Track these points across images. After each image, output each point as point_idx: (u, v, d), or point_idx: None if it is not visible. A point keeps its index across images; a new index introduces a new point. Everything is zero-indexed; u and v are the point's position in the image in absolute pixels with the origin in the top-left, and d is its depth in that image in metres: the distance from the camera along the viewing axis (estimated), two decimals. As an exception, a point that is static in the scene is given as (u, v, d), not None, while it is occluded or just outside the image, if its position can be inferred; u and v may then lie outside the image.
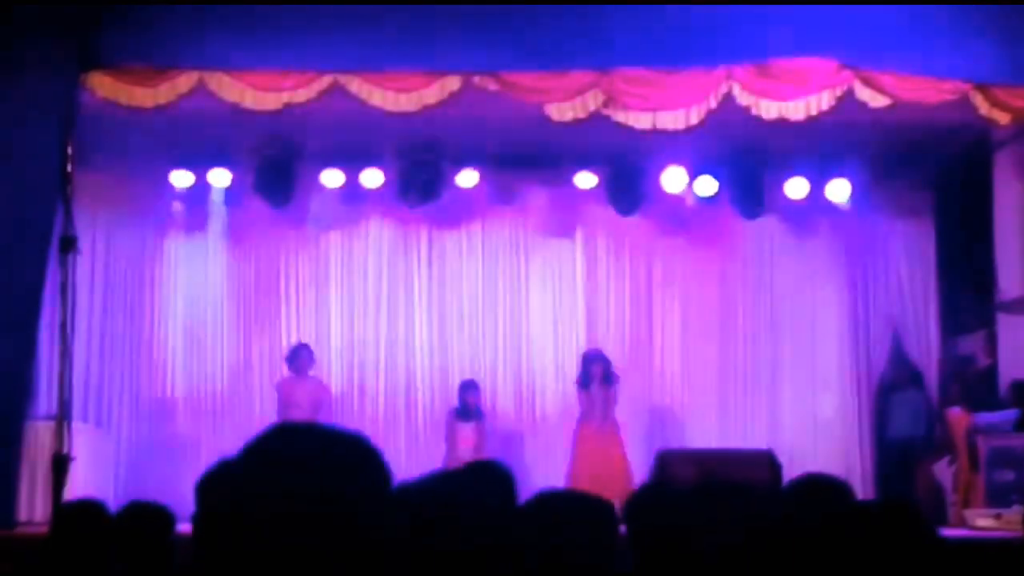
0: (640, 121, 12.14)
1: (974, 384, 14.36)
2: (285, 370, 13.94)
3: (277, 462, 2.00)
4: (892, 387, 15.11)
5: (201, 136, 13.81)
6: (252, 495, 1.98)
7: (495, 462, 4.66)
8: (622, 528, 3.84)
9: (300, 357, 13.79)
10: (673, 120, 12.07)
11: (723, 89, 11.88)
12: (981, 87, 11.88)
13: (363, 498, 1.99)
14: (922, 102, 11.93)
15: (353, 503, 1.97)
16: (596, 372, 13.75)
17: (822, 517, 3.73)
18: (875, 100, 11.87)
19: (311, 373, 13.85)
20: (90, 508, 5.01)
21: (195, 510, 3.86)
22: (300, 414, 13.17)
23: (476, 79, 11.73)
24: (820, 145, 13.99)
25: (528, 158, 14.64)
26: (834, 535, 3.53)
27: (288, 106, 11.78)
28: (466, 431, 13.59)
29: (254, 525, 1.95)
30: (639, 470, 13.35)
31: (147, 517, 4.87)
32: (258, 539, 1.95)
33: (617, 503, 3.94)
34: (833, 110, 11.90)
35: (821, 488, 4.51)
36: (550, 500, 3.56)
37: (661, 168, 14.55)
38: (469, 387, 13.88)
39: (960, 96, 11.86)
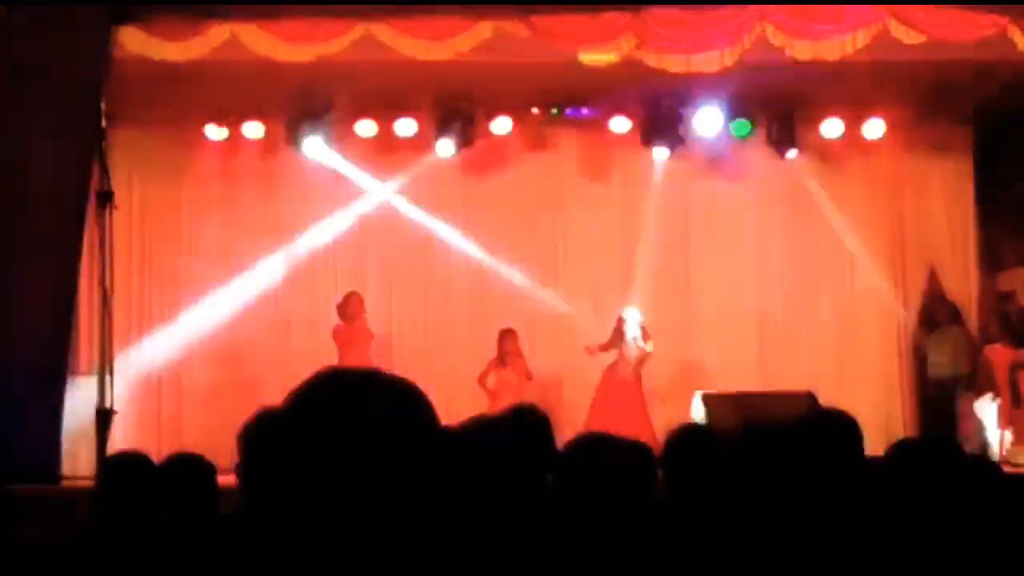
0: (674, 63, 12.08)
1: (1014, 321, 14.28)
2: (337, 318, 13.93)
3: (322, 409, 2.00)
4: (932, 325, 15.03)
5: (234, 89, 13.82)
6: (296, 443, 1.98)
7: (533, 407, 4.67)
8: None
9: (348, 305, 13.80)
10: (707, 62, 12.00)
11: (756, 29, 11.80)
12: (1019, 21, 11.74)
13: (409, 444, 1.99)
14: (958, 38, 11.81)
15: (399, 449, 1.97)
16: (629, 330, 13.74)
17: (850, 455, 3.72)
18: (910, 37, 11.77)
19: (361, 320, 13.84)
20: (137, 460, 5.04)
21: (238, 460, 3.89)
22: (356, 360, 13.19)
23: (508, 25, 11.69)
24: (856, 84, 13.87)
25: (562, 103, 14.60)
26: (876, 473, 3.52)
27: (320, 57, 11.77)
28: (506, 377, 13.61)
29: (298, 473, 1.96)
30: (675, 414, 13.27)
31: (188, 468, 4.90)
32: (302, 487, 1.95)
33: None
34: (868, 48, 11.80)
35: (830, 424, 4.46)
36: (589, 444, 3.56)
37: (696, 110, 14.47)
38: (507, 334, 13.87)
39: (997, 31, 11.74)
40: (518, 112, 14.58)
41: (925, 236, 15.48)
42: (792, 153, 15.00)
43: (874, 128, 14.84)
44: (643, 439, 3.92)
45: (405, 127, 14.53)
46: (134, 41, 11.47)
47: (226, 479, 4.72)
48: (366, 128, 14.57)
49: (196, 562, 3.76)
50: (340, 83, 13.64)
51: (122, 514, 4.71)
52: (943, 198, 15.50)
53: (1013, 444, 12.61)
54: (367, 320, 13.91)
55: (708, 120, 14.55)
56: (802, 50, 11.90)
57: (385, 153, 14.95)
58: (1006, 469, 11.48)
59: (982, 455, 11.21)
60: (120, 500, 4.77)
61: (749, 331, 15.37)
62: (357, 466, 1.93)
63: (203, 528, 4.32)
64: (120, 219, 11.39)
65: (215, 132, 14.54)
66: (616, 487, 3.38)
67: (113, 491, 4.83)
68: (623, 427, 11.98)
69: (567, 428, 12.26)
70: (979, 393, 13.99)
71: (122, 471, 4.91)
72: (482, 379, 13.69)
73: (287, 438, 1.99)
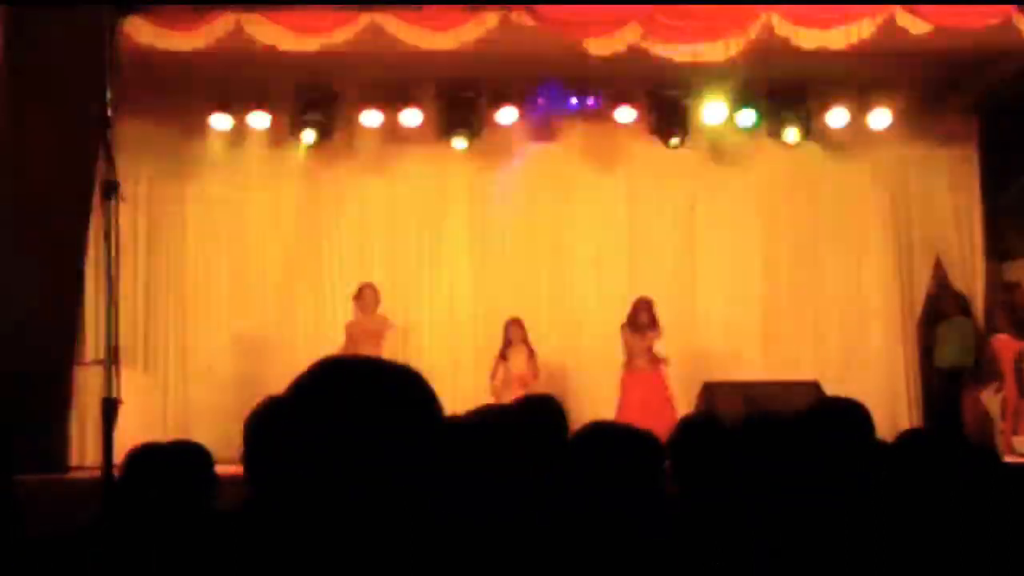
0: (680, 53, 12.07)
1: (1020, 311, 14.27)
2: (352, 310, 13.89)
3: (326, 396, 2.00)
4: (938, 315, 15.02)
5: (240, 79, 13.82)
6: (300, 431, 1.98)
7: (547, 396, 4.67)
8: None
9: (363, 296, 13.77)
10: (712, 51, 11.98)
11: (762, 19, 11.78)
12: (1025, 10, 11.74)
13: (413, 431, 1.99)
14: (964, 27, 11.78)
15: (403, 437, 1.98)
16: (641, 319, 13.63)
17: (860, 445, 3.72)
18: (916, 27, 11.74)
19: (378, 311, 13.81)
20: (153, 451, 5.03)
21: (243, 448, 3.89)
22: (371, 351, 13.10)
23: (513, 15, 11.68)
24: (862, 73, 13.84)
25: (569, 93, 14.58)
26: (885, 463, 3.52)
27: (326, 47, 11.76)
28: (511, 368, 13.58)
29: (303, 461, 1.96)
30: (682, 404, 13.28)
31: (185, 457, 4.88)
32: (307, 474, 1.96)
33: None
34: (874, 38, 11.78)
35: (838, 412, 4.45)
36: (599, 432, 3.56)
37: (701, 100, 14.44)
38: (513, 324, 13.84)
39: (1003, 19, 11.71)
40: (524, 102, 14.56)
41: (931, 226, 15.45)
42: (797, 142, 14.97)
43: (880, 118, 14.79)
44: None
45: (410, 117, 14.50)
46: (140, 31, 11.47)
47: (234, 469, 4.72)
48: (371, 118, 14.54)
49: (200, 550, 3.76)
50: (345, 73, 13.64)
51: (137, 504, 4.71)
52: (949, 188, 15.47)
53: (1019, 434, 12.60)
54: (382, 311, 13.89)
55: (714, 110, 14.53)
56: (808, 39, 11.87)
57: (390, 143, 14.94)
58: (1011, 459, 11.51)
59: (987, 446, 11.20)
60: (139, 491, 4.76)
61: (755, 321, 15.36)
62: (362, 453, 1.94)
63: (202, 515, 4.32)
64: (126, 209, 11.40)
65: (220, 122, 14.52)
66: (623, 476, 3.38)
67: (134, 482, 4.82)
68: (650, 420, 11.90)
69: (573, 418, 12.22)
70: (985, 383, 13.99)
71: (143, 462, 4.90)
72: (492, 375, 13.64)
73: (292, 425, 2.00)
